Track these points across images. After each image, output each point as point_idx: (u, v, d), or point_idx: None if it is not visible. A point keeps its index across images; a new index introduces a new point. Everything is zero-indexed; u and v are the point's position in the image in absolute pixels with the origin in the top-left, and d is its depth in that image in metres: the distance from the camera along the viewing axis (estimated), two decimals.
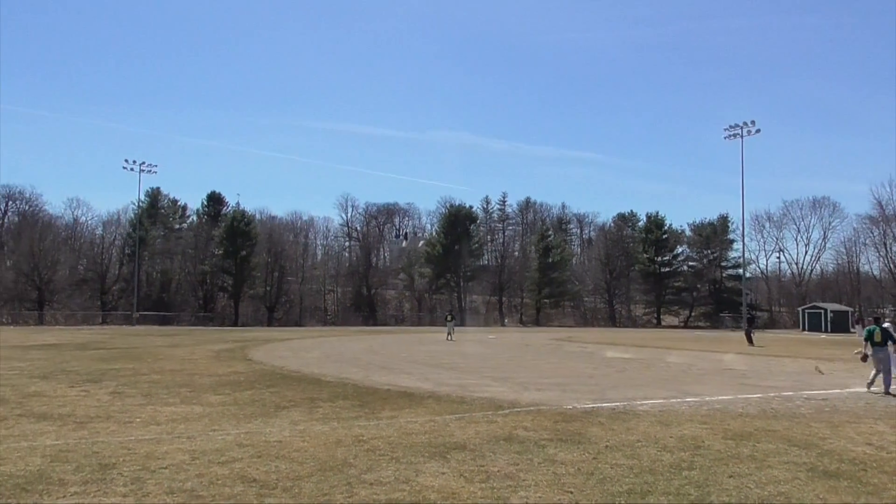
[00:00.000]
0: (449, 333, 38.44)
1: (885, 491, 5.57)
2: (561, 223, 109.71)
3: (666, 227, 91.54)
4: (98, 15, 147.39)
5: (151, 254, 79.53)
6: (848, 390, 12.98)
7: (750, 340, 31.95)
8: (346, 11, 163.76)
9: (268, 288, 79.81)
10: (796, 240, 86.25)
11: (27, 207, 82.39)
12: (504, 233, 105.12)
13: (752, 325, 34.30)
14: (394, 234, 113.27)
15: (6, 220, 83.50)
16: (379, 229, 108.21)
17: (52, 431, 7.84)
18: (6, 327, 53.95)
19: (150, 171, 74.32)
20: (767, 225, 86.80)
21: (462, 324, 64.06)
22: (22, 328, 53.15)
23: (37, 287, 69.54)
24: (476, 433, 7.79)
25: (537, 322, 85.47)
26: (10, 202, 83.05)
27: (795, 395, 12.07)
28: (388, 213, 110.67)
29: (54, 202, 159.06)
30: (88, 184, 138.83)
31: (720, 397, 11.53)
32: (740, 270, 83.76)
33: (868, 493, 5.49)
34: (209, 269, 78.15)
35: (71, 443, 7.11)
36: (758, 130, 70.56)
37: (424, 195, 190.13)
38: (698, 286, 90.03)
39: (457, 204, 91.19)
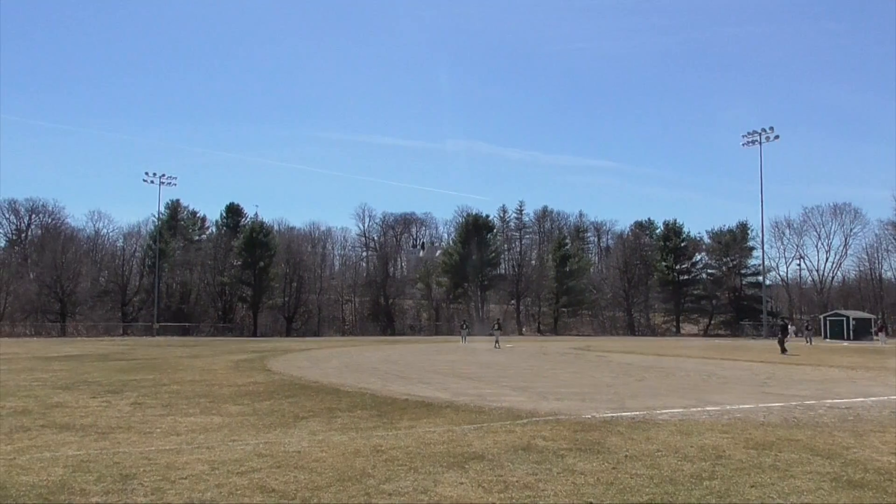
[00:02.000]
0: (496, 341, 40.32)
1: None
2: (578, 231, 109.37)
3: (684, 235, 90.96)
4: (119, 30, 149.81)
5: (171, 265, 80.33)
6: (872, 398, 12.78)
7: (783, 348, 31.19)
8: (363, 23, 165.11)
9: (286, 298, 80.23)
10: (817, 247, 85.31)
11: (50, 220, 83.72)
12: (521, 241, 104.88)
13: (785, 333, 33.42)
14: (411, 243, 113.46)
15: (29, 233, 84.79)
16: (396, 239, 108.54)
17: (74, 442, 7.91)
18: (29, 339, 54.66)
19: (169, 183, 75.32)
20: (787, 232, 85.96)
21: (481, 333, 63.93)
22: (45, 340, 53.82)
23: (59, 299, 70.49)
24: (494, 443, 7.75)
25: (555, 331, 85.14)
26: (34, 215, 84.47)
27: (818, 403, 11.90)
28: (405, 223, 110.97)
29: (76, 215, 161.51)
30: (110, 197, 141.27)
31: (741, 406, 11.40)
32: (760, 278, 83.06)
33: None
34: (228, 280, 78.74)
35: (92, 453, 7.18)
36: (776, 137, 70.16)
37: (441, 205, 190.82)
38: (717, 294, 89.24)
39: (473, 213, 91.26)
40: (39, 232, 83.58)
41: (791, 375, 18.71)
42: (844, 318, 61.63)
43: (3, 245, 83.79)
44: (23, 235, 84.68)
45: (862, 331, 59.52)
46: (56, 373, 18.50)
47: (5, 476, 6.10)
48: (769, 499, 5.47)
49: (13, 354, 28.79)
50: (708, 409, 11.01)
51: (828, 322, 62.72)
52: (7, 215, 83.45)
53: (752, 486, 5.83)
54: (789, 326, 56.25)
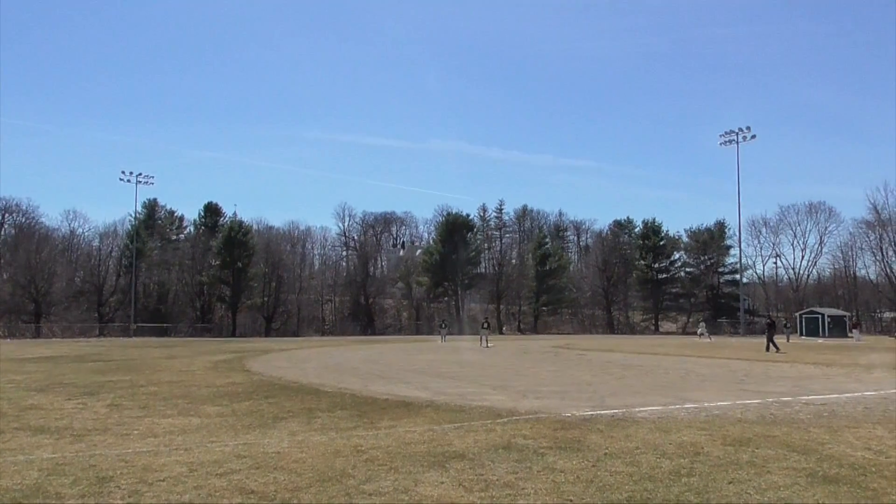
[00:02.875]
0: (483, 339, 39.93)
1: (884, 495, 5.56)
2: (558, 230, 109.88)
3: (663, 234, 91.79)
4: (95, 27, 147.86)
5: (149, 265, 79.48)
6: (846, 395, 12.97)
7: (771, 346, 31.27)
8: (343, 21, 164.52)
9: (265, 298, 79.73)
10: (793, 245, 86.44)
11: (24, 220, 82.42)
12: (501, 240, 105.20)
13: (772, 330, 33.45)
14: (391, 243, 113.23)
15: (3, 233, 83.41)
16: (376, 238, 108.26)
17: (49, 444, 7.80)
18: (3, 340, 53.80)
19: (146, 182, 74.63)
20: (764, 230, 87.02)
21: (460, 332, 64.01)
22: (19, 341, 53.00)
23: (33, 299, 69.42)
24: (475, 442, 7.76)
25: (535, 330, 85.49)
26: (7, 214, 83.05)
27: (794, 400, 12.05)
28: (385, 222, 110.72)
29: (51, 214, 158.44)
30: (85, 196, 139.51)
31: (719, 403, 11.52)
32: (738, 276, 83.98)
33: (868, 498, 5.48)
34: (207, 280, 78.08)
35: (68, 456, 7.08)
36: (753, 136, 71.07)
37: (421, 204, 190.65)
38: (696, 292, 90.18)
39: (454, 212, 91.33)
40: (13, 231, 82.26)
41: (768, 372, 18.94)
42: (820, 316, 62.50)
43: None
44: None
45: (837, 328, 60.39)
46: (30, 374, 18.22)
47: None
48: (746, 494, 5.53)
49: None
50: (686, 406, 11.12)
51: (803, 319, 63.59)
52: None
53: (729, 483, 5.89)
54: (701, 325, 57.46)
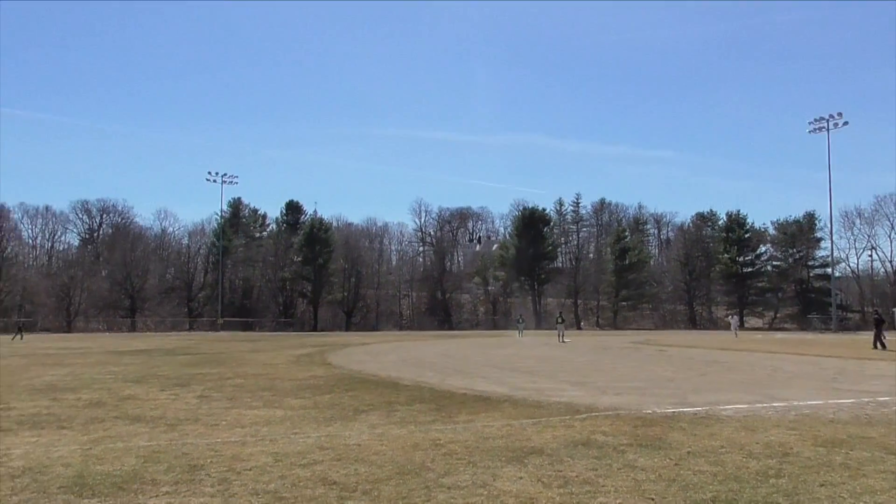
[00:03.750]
0: (560, 334, 39.75)
1: None
2: (637, 224, 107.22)
3: (748, 226, 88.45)
4: (181, 33, 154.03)
5: (234, 262, 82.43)
6: None
7: (880, 343, 29.63)
8: (415, 19, 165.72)
9: (345, 293, 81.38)
10: (890, 237, 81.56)
11: (120, 220, 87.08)
12: (578, 234, 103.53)
13: (880, 327, 31.54)
14: (467, 238, 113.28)
15: (101, 232, 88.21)
16: (452, 234, 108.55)
17: (145, 433, 8.21)
18: (102, 334, 56.96)
19: (231, 182, 77.35)
20: (858, 222, 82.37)
21: (538, 327, 63.58)
22: (116, 334, 55.98)
23: (129, 295, 73.29)
24: (553, 438, 7.71)
25: (615, 325, 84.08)
26: (105, 215, 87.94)
27: (892, 400, 11.42)
28: (461, 218, 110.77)
29: (144, 214, 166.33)
30: (175, 196, 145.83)
31: (809, 402, 11.04)
32: (829, 270, 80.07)
33: None
34: (289, 276, 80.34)
35: (162, 444, 7.44)
36: (845, 123, 67.44)
37: (497, 198, 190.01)
38: (783, 287, 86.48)
39: (530, 206, 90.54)
40: (110, 231, 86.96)
41: (863, 371, 18.01)
42: None
43: (76, 244, 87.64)
44: (95, 235, 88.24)
45: None
46: (127, 366, 19.23)
47: (82, 465, 6.38)
48: (840, 498, 5.29)
49: (87, 349, 30.06)
50: (774, 404, 10.71)
51: None
52: (80, 215, 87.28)
53: (821, 485, 5.65)
54: (734, 317, 54.79)
